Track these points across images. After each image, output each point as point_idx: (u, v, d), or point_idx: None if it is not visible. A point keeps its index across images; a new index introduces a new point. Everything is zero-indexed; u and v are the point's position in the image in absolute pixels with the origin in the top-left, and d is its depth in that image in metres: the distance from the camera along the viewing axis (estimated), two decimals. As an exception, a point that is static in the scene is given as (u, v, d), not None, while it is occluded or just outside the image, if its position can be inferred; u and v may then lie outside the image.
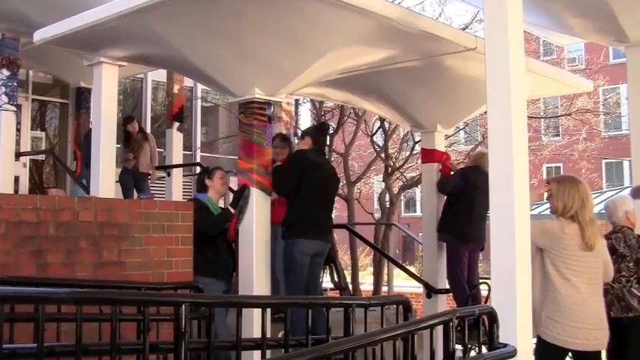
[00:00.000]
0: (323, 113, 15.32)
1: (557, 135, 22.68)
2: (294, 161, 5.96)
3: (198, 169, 13.76)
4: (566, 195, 4.32)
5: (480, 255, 7.58)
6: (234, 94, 5.92)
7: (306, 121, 20.18)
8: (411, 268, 14.43)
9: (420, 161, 8.87)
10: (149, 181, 9.76)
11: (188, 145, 16.29)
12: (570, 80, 7.52)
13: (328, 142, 16.37)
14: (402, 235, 31.63)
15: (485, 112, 4.46)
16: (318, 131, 6.21)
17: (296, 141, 9.44)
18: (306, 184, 5.84)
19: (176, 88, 10.24)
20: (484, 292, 6.99)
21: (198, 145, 16.66)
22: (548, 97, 16.16)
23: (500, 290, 3.97)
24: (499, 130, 4.16)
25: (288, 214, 5.91)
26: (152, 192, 9.66)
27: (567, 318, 4.15)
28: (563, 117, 17.55)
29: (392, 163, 14.67)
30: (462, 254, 7.21)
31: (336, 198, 7.71)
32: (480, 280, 7.28)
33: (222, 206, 6.23)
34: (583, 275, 4.21)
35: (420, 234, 8.58)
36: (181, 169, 10.26)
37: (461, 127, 15.52)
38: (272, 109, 6.31)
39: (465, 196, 7.26)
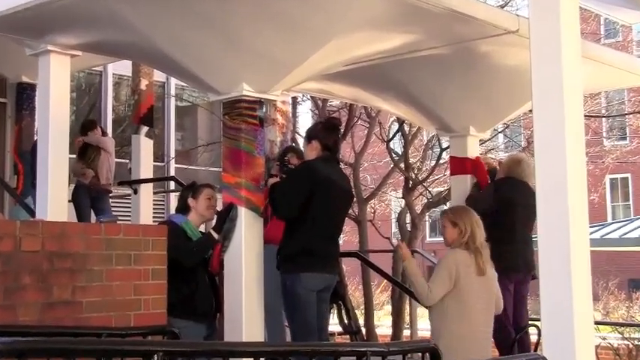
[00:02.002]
0: (328, 114, 15.32)
1: (624, 138, 22.52)
2: (302, 176, 5.90)
3: (173, 185, 13.73)
4: (461, 223, 5.59)
5: (529, 289, 7.54)
6: (217, 90, 5.91)
7: (306, 124, 20.18)
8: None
9: (448, 173, 8.84)
10: (110, 201, 9.74)
11: (160, 155, 16.34)
12: (640, 69, 7.52)
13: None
14: (427, 264, 31.48)
15: (530, 110, 4.44)
16: (327, 131, 6.13)
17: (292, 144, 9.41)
18: (314, 207, 5.78)
19: (144, 84, 10.23)
20: (533, 337, 6.94)
21: (172, 154, 16.70)
22: (611, 90, 16.16)
23: (552, 334, 3.94)
24: (548, 133, 4.14)
25: (288, 242, 5.86)
26: (115, 213, 9.64)
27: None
28: (630, 115, 17.52)
29: (413, 176, 14.67)
30: (505, 290, 7.17)
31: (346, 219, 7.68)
32: (529, 322, 7.24)
33: (203, 231, 6.21)
34: (480, 300, 5.44)
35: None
36: (151, 184, 10.23)
37: (499, 130, 15.53)
38: (264, 110, 6.29)
39: (500, 215, 7.24)
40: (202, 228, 6.26)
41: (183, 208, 6.12)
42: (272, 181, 6.03)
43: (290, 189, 5.83)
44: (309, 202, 5.77)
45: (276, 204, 5.84)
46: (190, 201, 6.09)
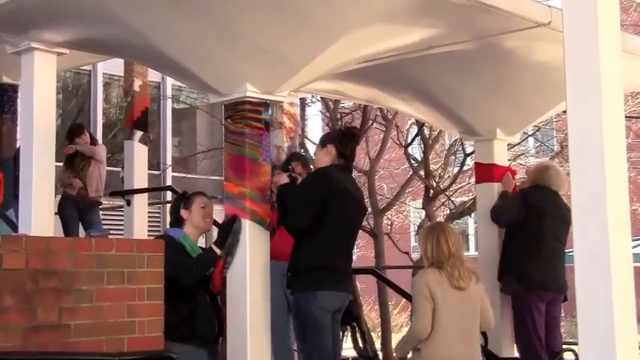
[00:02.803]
0: (339, 117, 15.31)
1: (670, 141, 22.48)
2: (316, 184, 5.91)
3: (170, 195, 13.75)
4: (424, 242, 5.91)
5: (562, 310, 7.51)
6: (218, 91, 5.91)
7: (316, 128, 20.21)
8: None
9: (473, 180, 8.82)
10: (100, 213, 9.76)
11: (155, 163, 16.37)
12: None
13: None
14: (449, 282, 31.15)
15: (564, 111, 4.42)
16: (345, 138, 6.15)
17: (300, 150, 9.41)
18: (329, 218, 5.79)
19: (137, 85, 10.25)
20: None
21: (169, 161, 16.73)
22: (656, 88, 16.06)
23: (591, 360, 3.91)
24: (584, 136, 4.11)
25: (300, 258, 5.86)
26: (106, 227, 9.66)
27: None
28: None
29: (434, 184, 14.64)
30: (535, 310, 7.15)
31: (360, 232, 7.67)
32: (564, 346, 7.21)
33: (204, 246, 6.20)
34: (458, 315, 5.73)
35: (476, 281, 8.49)
36: (146, 195, 10.25)
37: (530, 134, 15.50)
38: (270, 112, 6.29)
39: (527, 226, 7.23)
40: (202, 243, 6.26)
41: (176, 222, 6.11)
42: (281, 179, 6.02)
43: (303, 197, 5.82)
44: (323, 213, 5.78)
45: (286, 212, 5.83)
46: (183, 212, 6.08)
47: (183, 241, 5.97)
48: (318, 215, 5.78)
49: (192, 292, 5.84)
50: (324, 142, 6.13)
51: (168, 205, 15.55)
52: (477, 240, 8.65)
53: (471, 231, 28.49)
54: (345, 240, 5.98)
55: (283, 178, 6.02)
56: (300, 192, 5.89)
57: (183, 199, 6.17)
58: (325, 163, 6.03)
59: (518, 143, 13.38)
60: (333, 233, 5.82)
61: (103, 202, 9.84)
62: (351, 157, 6.14)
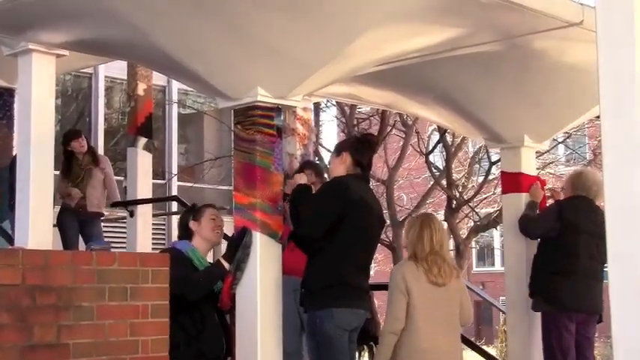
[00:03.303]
0: (355, 122, 15.35)
1: None
2: (334, 194, 5.90)
3: (176, 206, 13.73)
4: (406, 233, 6.07)
5: (597, 331, 7.46)
6: (227, 96, 5.92)
7: (331, 135, 20.22)
8: (490, 350, 14.28)
9: (499, 190, 8.79)
10: (102, 225, 9.77)
11: (160, 171, 16.40)
12: None
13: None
14: (473, 299, 31.20)
15: (597, 117, 4.40)
16: (361, 145, 6.13)
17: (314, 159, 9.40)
18: (346, 231, 5.78)
19: (141, 89, 10.27)
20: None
21: (175, 170, 16.75)
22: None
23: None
24: (619, 143, 4.08)
25: (316, 273, 5.84)
26: (107, 240, 9.66)
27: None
28: None
29: (457, 194, 14.64)
30: (564, 330, 7.11)
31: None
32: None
33: (212, 261, 6.20)
34: (437, 312, 5.88)
35: (502, 298, 8.50)
36: (150, 205, 10.26)
37: (560, 141, 15.49)
38: (282, 118, 6.29)
39: (562, 243, 7.18)
40: (210, 258, 6.26)
41: (185, 235, 6.13)
42: (300, 179, 6.05)
43: (318, 205, 5.82)
44: (339, 225, 5.77)
45: (298, 219, 5.82)
46: (192, 224, 6.10)
47: (191, 254, 5.98)
48: (333, 227, 5.77)
49: (200, 309, 5.85)
50: (339, 150, 6.13)
51: (174, 217, 15.67)
52: (504, 254, 8.60)
53: (497, 244, 28.50)
54: (362, 254, 5.96)
55: (302, 178, 6.05)
56: (315, 201, 5.89)
57: (192, 211, 6.20)
58: (340, 172, 6.02)
59: (548, 151, 13.41)
60: (350, 247, 5.81)
61: (105, 214, 9.84)
62: (368, 166, 6.12)
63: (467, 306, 6.09)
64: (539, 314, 7.39)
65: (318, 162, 7.75)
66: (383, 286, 9.61)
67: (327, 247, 5.80)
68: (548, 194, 7.84)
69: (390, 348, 5.82)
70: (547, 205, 7.63)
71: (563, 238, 7.17)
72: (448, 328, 5.98)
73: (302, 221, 5.84)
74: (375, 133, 14.89)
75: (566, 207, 7.31)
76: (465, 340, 9.56)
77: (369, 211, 5.94)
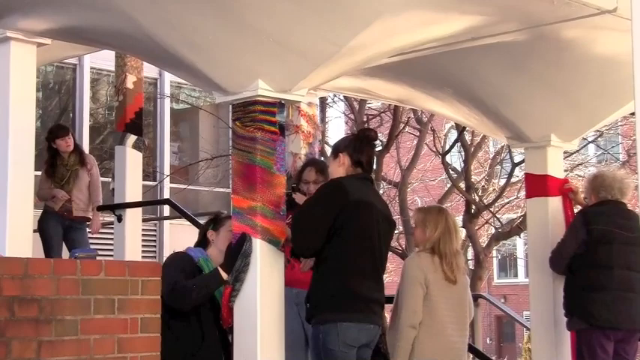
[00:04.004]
0: (365, 119, 15.34)
1: None
2: (327, 198, 5.89)
3: (168, 210, 13.74)
4: (427, 226, 6.18)
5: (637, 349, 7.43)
6: (225, 89, 5.92)
7: (338, 133, 20.23)
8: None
9: (522, 194, 8.79)
10: (92, 230, 9.76)
11: (151, 172, 16.38)
12: None
13: (375, 164, 16.40)
14: (494, 313, 31.18)
15: (632, 114, 4.40)
16: (359, 143, 6.13)
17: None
18: (347, 236, 5.77)
19: (130, 81, 10.28)
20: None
21: (167, 170, 16.75)
22: None
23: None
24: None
25: (321, 284, 5.84)
26: (93, 247, 9.66)
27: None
28: None
29: (477, 198, 14.63)
30: (599, 348, 7.07)
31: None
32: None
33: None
34: (452, 309, 6.09)
35: (526, 312, 8.49)
36: (139, 210, 10.27)
37: (590, 140, 15.47)
38: (285, 114, 6.30)
39: (592, 257, 7.14)
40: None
41: (202, 243, 6.25)
42: (300, 198, 6.05)
43: (311, 213, 5.81)
44: (340, 230, 5.74)
45: (295, 236, 5.82)
46: (210, 234, 6.21)
47: (202, 262, 6.06)
48: (337, 235, 5.74)
49: (199, 320, 5.92)
50: (336, 152, 6.10)
51: (166, 222, 15.66)
52: (528, 264, 8.59)
53: (520, 254, 28.41)
54: (370, 261, 5.92)
55: (300, 199, 6.10)
56: (308, 207, 5.88)
57: (214, 221, 6.31)
58: (340, 174, 6.01)
59: (577, 151, 13.39)
60: (353, 253, 5.78)
61: (91, 218, 9.82)
62: (369, 164, 6.10)
63: (471, 302, 6.38)
64: (568, 334, 7.36)
65: (322, 159, 7.70)
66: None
67: (328, 255, 5.78)
68: (571, 197, 7.79)
69: (410, 342, 5.97)
70: (570, 207, 7.62)
71: (593, 250, 7.11)
72: (462, 325, 6.23)
73: (294, 236, 5.82)
74: (387, 131, 14.93)
75: (592, 216, 7.23)
76: (484, 358, 9.58)
77: (369, 212, 5.88)
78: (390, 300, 6.86)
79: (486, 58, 6.63)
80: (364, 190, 5.94)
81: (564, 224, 7.56)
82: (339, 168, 6.01)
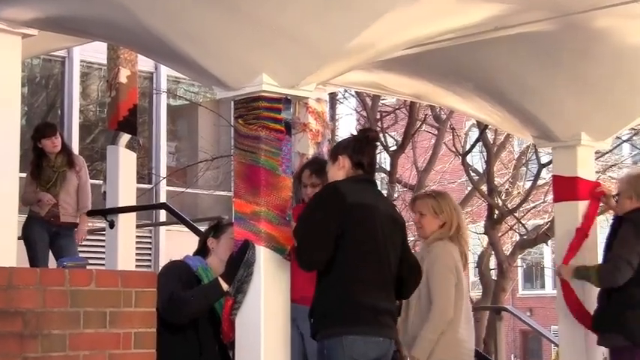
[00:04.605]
0: (378, 116, 15.35)
1: None
2: (326, 203, 5.87)
3: (164, 215, 13.73)
4: (446, 211, 6.43)
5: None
6: (227, 84, 5.93)
7: (349, 131, 20.20)
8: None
9: (550, 198, 8.78)
10: (77, 238, 9.77)
11: (146, 174, 16.41)
12: None
13: (389, 166, 16.40)
14: (519, 328, 31.10)
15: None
16: (359, 144, 6.12)
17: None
18: (345, 243, 5.75)
19: (124, 75, 10.29)
20: None
21: (163, 172, 16.78)
22: None
23: None
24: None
25: (324, 296, 5.83)
26: (83, 255, 9.67)
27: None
28: None
29: (500, 202, 14.62)
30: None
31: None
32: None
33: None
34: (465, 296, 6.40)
35: (554, 327, 8.48)
36: (133, 215, 10.28)
37: (625, 139, 15.45)
38: (292, 111, 6.30)
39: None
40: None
41: (202, 251, 6.23)
42: None
43: (311, 222, 5.78)
44: (341, 238, 5.73)
45: (298, 250, 5.79)
46: (210, 241, 6.19)
47: (201, 272, 6.05)
48: (339, 242, 5.71)
49: (197, 332, 5.91)
50: (334, 155, 6.06)
51: (162, 228, 15.68)
52: (556, 275, 8.56)
53: (548, 263, 28.34)
54: (376, 268, 5.86)
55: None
56: (307, 217, 5.86)
57: (214, 227, 6.30)
58: (340, 178, 5.99)
59: (610, 151, 13.36)
60: (357, 260, 5.74)
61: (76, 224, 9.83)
62: (370, 166, 6.06)
63: None
64: (600, 348, 7.35)
65: (320, 158, 7.65)
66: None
67: (334, 263, 5.74)
68: (603, 201, 7.76)
69: (437, 337, 6.20)
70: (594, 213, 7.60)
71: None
72: (470, 317, 6.48)
73: (298, 249, 5.77)
74: (402, 130, 14.94)
75: (636, 221, 7.16)
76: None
77: (370, 215, 5.84)
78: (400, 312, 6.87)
79: (511, 50, 6.64)
80: (363, 193, 5.88)
81: (585, 231, 7.56)
82: (339, 171, 5.98)
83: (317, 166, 6.91)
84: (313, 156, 8.40)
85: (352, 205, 5.75)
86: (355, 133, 7.31)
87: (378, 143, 6.47)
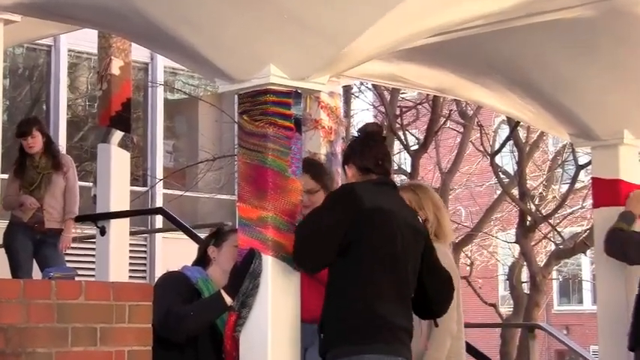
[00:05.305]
0: (399, 112, 15.36)
1: None
2: (338, 205, 5.88)
3: (161, 222, 13.74)
4: (426, 207, 6.55)
5: None
6: (230, 76, 5.95)
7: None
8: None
9: (589, 203, 8.77)
10: (60, 246, 9.78)
11: (140, 175, 16.44)
12: None
13: (409, 167, 16.37)
14: (554, 347, 31.01)
15: None
16: (364, 145, 6.10)
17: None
18: (360, 251, 5.75)
19: (116, 66, 10.32)
20: None
21: (160, 174, 16.80)
22: None
23: None
24: None
25: (334, 311, 5.84)
26: (70, 265, 9.69)
27: None
28: None
29: (533, 208, 14.61)
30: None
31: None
32: None
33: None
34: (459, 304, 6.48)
35: (594, 347, 8.48)
36: (127, 221, 10.30)
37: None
38: (302, 106, 6.30)
39: None
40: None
41: (202, 261, 6.21)
42: None
43: (317, 223, 5.79)
44: (355, 245, 5.72)
45: (297, 250, 5.79)
46: (211, 250, 6.16)
47: (201, 284, 6.02)
48: (347, 249, 5.72)
49: (195, 350, 5.90)
50: (344, 162, 6.11)
51: (158, 235, 15.70)
52: (596, 288, 8.56)
53: (586, 275, 28.30)
54: (392, 280, 5.84)
55: None
56: (314, 214, 5.87)
57: (215, 234, 6.28)
58: None
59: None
60: (373, 272, 5.73)
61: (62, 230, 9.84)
62: (379, 166, 6.04)
63: None
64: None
65: (316, 159, 7.60)
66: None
67: (341, 275, 5.74)
68: None
69: (445, 354, 6.34)
70: None
71: None
72: (462, 331, 6.61)
73: (297, 250, 5.78)
74: (425, 127, 14.93)
75: None
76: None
77: (388, 221, 5.83)
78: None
79: (545, 39, 6.64)
80: (382, 197, 5.88)
81: None
82: (351, 180, 6.01)
83: (315, 170, 6.85)
84: (329, 156, 8.42)
85: (369, 210, 5.74)
86: (354, 136, 7.28)
87: (382, 136, 6.33)
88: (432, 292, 5.99)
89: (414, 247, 5.97)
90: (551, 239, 15.91)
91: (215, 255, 6.15)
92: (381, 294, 5.75)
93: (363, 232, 5.72)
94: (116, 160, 10.17)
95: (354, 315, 5.70)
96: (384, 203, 5.83)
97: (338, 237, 5.71)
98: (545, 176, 15.82)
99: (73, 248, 10.22)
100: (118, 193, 10.16)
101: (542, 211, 14.81)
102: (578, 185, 14.86)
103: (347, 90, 14.43)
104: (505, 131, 15.54)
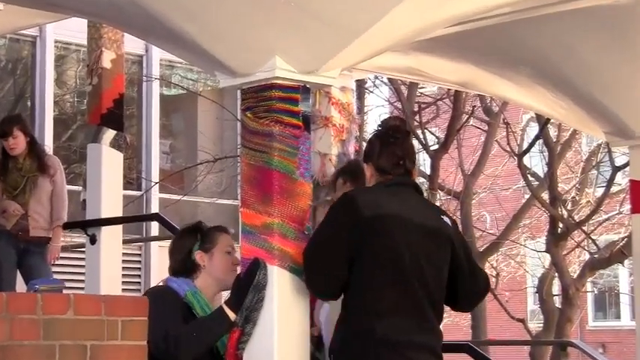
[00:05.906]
0: (417, 108, 15.37)
1: None
2: (334, 218, 5.86)
3: (157, 229, 13.75)
4: None
5: None
6: (232, 69, 5.97)
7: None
8: None
9: (626, 209, 8.78)
10: (49, 257, 9.80)
11: (134, 178, 16.46)
12: None
13: (429, 168, 16.36)
14: (588, 366, 30.99)
15: None
16: (381, 145, 6.08)
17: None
18: (362, 264, 5.75)
19: (108, 59, 10.34)
20: None
21: (156, 176, 16.82)
22: None
23: None
24: None
25: (343, 327, 5.84)
26: (58, 276, 9.71)
27: None
28: None
29: (565, 213, 14.61)
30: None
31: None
32: None
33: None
34: None
35: (632, 366, 8.47)
36: (119, 228, 10.32)
37: None
38: (311, 102, 6.32)
39: None
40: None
41: (184, 268, 6.16)
42: None
43: (320, 245, 5.79)
44: (358, 258, 5.72)
45: (307, 276, 5.80)
46: (199, 256, 6.12)
47: (190, 298, 6.01)
48: (361, 264, 5.71)
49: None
50: (365, 160, 6.10)
51: (154, 244, 15.71)
52: (635, 302, 8.55)
53: (624, 288, 28.22)
54: (403, 292, 5.81)
55: None
56: (316, 233, 5.86)
57: (199, 235, 6.22)
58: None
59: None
60: (378, 285, 5.72)
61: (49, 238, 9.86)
62: (396, 165, 6.00)
63: None
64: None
65: (357, 162, 7.60)
66: (455, 346, 9.65)
67: (358, 289, 5.74)
68: None
69: None
70: None
71: None
72: None
73: (307, 278, 5.80)
74: (445, 125, 14.95)
75: None
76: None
77: (394, 228, 5.79)
78: (446, 348, 6.79)
79: (577, 28, 6.65)
80: (392, 201, 5.85)
81: None
82: (371, 180, 6.02)
83: (352, 172, 6.88)
84: (341, 157, 8.42)
85: (369, 217, 5.73)
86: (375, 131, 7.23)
87: (405, 131, 6.28)
88: (465, 290, 6.06)
89: (433, 252, 5.93)
90: (585, 248, 15.91)
91: (205, 262, 6.10)
92: (382, 309, 5.74)
93: (364, 243, 5.72)
94: (108, 161, 10.17)
95: (362, 333, 5.71)
96: (390, 209, 5.81)
97: (341, 250, 5.72)
98: (578, 179, 15.81)
99: (60, 258, 10.23)
100: (110, 198, 10.17)
101: (575, 217, 14.80)
102: (614, 189, 14.85)
103: (360, 85, 14.45)
104: (534, 129, 15.53)
